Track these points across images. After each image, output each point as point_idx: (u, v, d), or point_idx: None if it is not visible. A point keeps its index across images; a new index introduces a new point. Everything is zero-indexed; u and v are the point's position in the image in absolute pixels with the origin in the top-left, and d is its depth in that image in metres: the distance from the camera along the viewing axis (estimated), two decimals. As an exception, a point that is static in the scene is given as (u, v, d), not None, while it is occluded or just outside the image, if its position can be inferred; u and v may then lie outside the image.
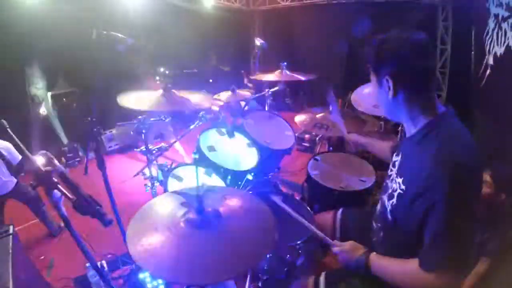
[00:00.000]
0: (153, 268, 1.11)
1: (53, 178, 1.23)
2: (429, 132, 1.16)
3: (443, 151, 1.07)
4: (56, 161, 1.26)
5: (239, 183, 2.44)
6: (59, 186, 1.24)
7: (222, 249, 1.21)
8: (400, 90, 1.18)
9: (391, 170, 1.38)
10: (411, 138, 1.26)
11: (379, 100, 1.30)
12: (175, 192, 1.50)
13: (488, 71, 2.83)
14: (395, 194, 1.24)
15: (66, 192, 1.23)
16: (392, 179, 1.31)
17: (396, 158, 1.37)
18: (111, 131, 5.38)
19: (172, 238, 1.22)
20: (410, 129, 1.27)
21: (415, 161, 1.16)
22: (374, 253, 1.33)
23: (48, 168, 1.23)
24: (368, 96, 2.93)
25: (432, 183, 1.05)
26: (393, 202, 1.26)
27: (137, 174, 2.22)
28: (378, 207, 1.45)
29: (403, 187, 1.20)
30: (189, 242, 1.22)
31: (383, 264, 1.27)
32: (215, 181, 2.23)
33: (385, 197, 1.34)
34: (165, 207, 1.40)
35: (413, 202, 1.13)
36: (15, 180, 3.00)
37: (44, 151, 1.29)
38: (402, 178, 1.22)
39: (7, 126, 1.83)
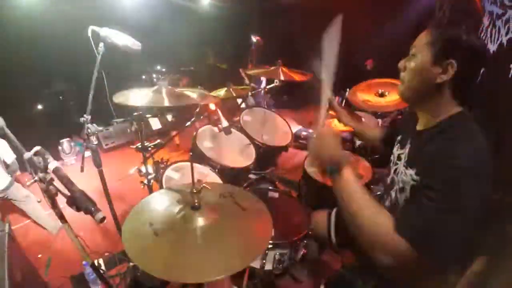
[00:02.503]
0: (148, 266, 1.10)
1: (48, 175, 1.22)
2: (447, 128, 1.13)
3: (464, 144, 1.05)
4: (50, 158, 1.26)
5: (236, 180, 2.44)
6: (54, 183, 1.23)
7: (218, 247, 1.20)
8: (454, 79, 1.12)
9: (396, 164, 1.34)
10: (427, 130, 1.22)
11: (413, 76, 1.21)
12: (170, 189, 1.49)
13: (482, 69, 2.84)
14: (408, 187, 1.18)
15: (61, 189, 1.23)
16: (399, 172, 1.27)
17: (402, 151, 1.33)
18: (108, 129, 5.37)
19: (167, 236, 1.22)
20: (425, 121, 1.23)
21: (430, 154, 1.10)
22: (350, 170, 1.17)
23: (44, 164, 1.23)
24: (363, 93, 2.93)
25: (441, 177, 1.01)
26: (406, 195, 1.20)
27: (133, 171, 2.21)
28: (386, 203, 1.38)
29: (416, 177, 1.13)
30: (185, 240, 1.21)
31: (354, 190, 1.12)
32: (212, 178, 2.23)
33: (393, 192, 1.29)
34: (160, 204, 1.39)
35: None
36: (9, 178, 2.99)
37: (38, 147, 1.28)
38: (415, 170, 1.15)
39: (4, 124, 1.81)
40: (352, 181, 1.13)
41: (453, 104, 1.16)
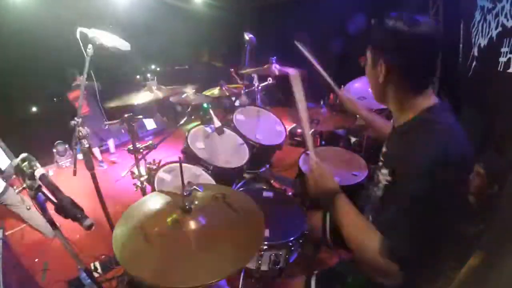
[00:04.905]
0: (139, 271, 1.09)
1: (36, 182, 1.21)
2: (417, 124, 1.13)
3: (432, 140, 1.05)
4: (38, 164, 1.24)
5: (230, 180, 2.42)
6: (43, 189, 1.21)
7: (211, 250, 1.18)
8: (392, 78, 1.15)
9: (380, 162, 1.35)
10: (398, 129, 1.24)
11: (369, 80, 1.28)
12: (161, 192, 1.48)
13: (474, 63, 2.85)
14: (381, 186, 1.23)
15: (49, 195, 1.21)
16: (379, 171, 1.30)
17: (384, 149, 1.35)
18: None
19: (159, 240, 1.20)
20: (398, 119, 1.24)
21: (401, 153, 1.13)
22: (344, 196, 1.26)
23: (31, 171, 1.21)
24: (358, 89, 2.91)
25: (414, 174, 1.03)
26: (381, 194, 1.24)
27: (126, 173, 2.19)
28: (370, 201, 1.42)
29: (389, 178, 1.18)
30: (177, 244, 1.20)
31: (349, 216, 1.21)
32: (205, 179, 2.21)
33: (375, 188, 1.33)
34: (151, 207, 1.38)
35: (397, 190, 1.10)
36: (3, 184, 2.97)
37: (25, 154, 1.26)
38: (388, 169, 1.20)
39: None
40: (342, 206, 1.22)
41: (417, 100, 1.17)
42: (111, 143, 5.20)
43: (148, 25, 5.80)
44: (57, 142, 5.03)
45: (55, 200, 1.15)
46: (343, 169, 2.50)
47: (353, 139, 3.40)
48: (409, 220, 1.02)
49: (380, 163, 1.33)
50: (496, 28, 2.44)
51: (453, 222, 1.09)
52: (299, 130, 4.91)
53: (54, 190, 1.14)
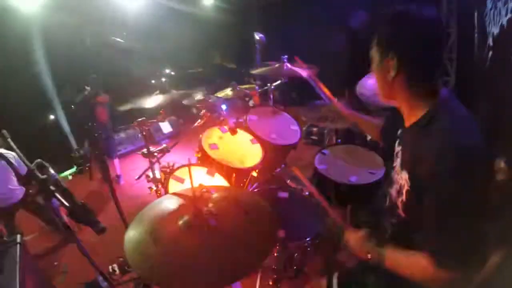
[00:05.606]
0: (151, 273, 1.07)
1: (50, 187, 1.21)
2: (431, 119, 1.09)
3: (447, 138, 1.00)
4: (51, 170, 1.25)
5: (244, 181, 2.40)
6: (56, 194, 1.22)
7: (223, 253, 1.17)
8: (402, 74, 1.10)
9: (395, 162, 1.31)
10: (411, 127, 1.19)
11: (376, 78, 1.23)
12: (174, 195, 1.46)
13: (490, 53, 2.75)
14: (404, 191, 1.17)
15: (63, 200, 1.21)
16: (397, 172, 1.25)
17: (399, 148, 1.30)
18: (119, 135, 5.41)
19: (171, 242, 1.19)
20: (410, 117, 1.19)
21: (418, 152, 1.09)
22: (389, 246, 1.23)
23: (45, 176, 1.22)
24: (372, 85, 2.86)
25: (437, 174, 0.98)
26: (402, 199, 1.19)
27: (139, 177, 2.20)
28: (387, 202, 1.37)
29: (409, 182, 1.13)
30: (189, 246, 1.18)
31: (398, 258, 1.17)
32: (219, 180, 2.19)
33: (393, 192, 1.27)
34: (164, 209, 1.37)
35: (422, 196, 1.05)
36: (23, 190, 3.02)
37: (39, 160, 1.27)
38: (408, 173, 1.14)
39: (8, 137, 1.82)
40: (391, 261, 1.17)
41: (429, 94, 1.12)
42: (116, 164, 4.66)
43: (160, 31, 5.84)
44: (75, 147, 5.12)
45: (68, 205, 1.16)
46: (360, 167, 2.44)
47: (369, 136, 3.33)
48: (449, 221, 0.99)
49: (396, 164, 1.29)
50: (506, 15, 2.34)
51: (482, 217, 1.04)
52: (314, 129, 4.86)
53: (67, 195, 1.15)
